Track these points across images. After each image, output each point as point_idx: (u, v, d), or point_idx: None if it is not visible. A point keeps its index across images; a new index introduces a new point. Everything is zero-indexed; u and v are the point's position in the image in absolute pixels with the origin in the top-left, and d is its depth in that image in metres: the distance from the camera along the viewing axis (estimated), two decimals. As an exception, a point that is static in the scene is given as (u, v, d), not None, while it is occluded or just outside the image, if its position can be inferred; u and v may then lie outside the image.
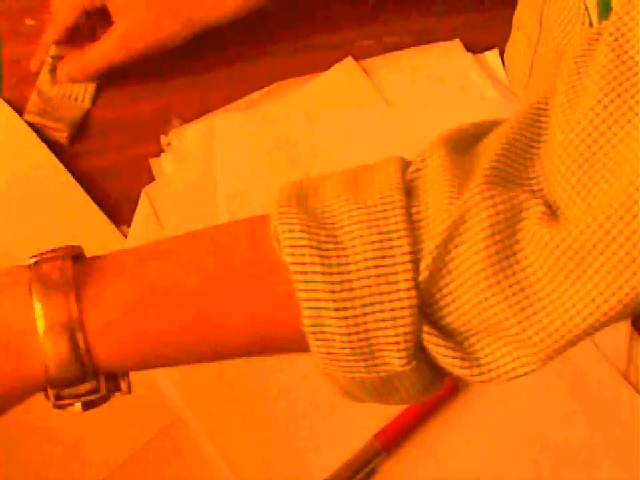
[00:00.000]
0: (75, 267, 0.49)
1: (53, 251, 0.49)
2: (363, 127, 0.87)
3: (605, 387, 0.78)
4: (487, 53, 0.91)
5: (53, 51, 0.88)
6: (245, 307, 0.49)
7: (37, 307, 0.47)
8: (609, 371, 0.78)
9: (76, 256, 0.50)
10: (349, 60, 0.90)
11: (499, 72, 0.90)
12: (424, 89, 0.89)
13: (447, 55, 0.90)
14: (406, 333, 0.46)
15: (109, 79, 0.89)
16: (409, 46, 0.92)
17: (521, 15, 0.85)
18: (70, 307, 0.47)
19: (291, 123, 0.87)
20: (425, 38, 0.92)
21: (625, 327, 0.80)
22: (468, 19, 0.93)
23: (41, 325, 0.47)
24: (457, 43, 0.91)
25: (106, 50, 0.86)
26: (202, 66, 0.91)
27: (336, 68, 0.89)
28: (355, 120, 0.87)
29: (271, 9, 0.91)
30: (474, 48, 0.91)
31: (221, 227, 0.53)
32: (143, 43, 0.85)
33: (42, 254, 0.49)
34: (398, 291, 0.46)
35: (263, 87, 0.89)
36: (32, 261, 0.49)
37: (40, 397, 0.49)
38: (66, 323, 0.47)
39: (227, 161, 0.85)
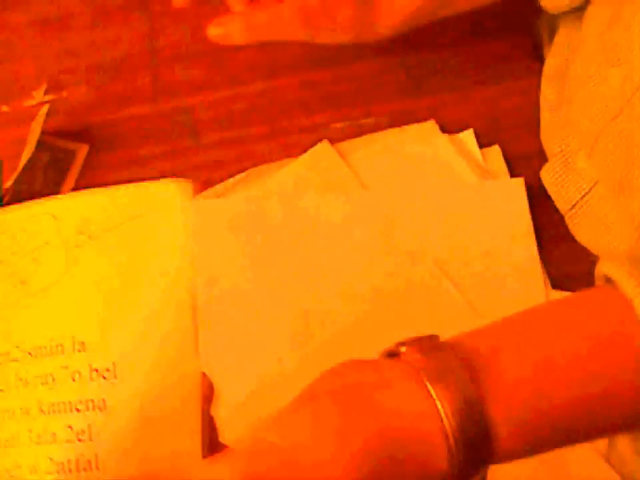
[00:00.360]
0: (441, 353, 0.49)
1: (417, 339, 0.50)
2: (340, 211, 0.87)
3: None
4: (462, 134, 0.91)
5: None
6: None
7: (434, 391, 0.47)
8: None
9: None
10: (324, 143, 0.90)
11: (474, 152, 0.90)
12: (400, 172, 0.89)
13: (423, 137, 0.91)
14: None
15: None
16: (384, 128, 0.92)
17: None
18: (468, 388, 0.47)
19: (268, 208, 0.87)
20: (400, 119, 0.92)
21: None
22: (443, 99, 0.94)
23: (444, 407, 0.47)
24: (431, 124, 0.92)
25: (282, 20, 0.78)
26: (177, 151, 0.91)
27: (311, 152, 0.89)
28: (331, 204, 0.87)
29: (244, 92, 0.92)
30: (449, 128, 0.91)
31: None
32: (323, 22, 0.79)
33: (406, 342, 0.50)
34: None
35: (238, 173, 0.89)
36: (402, 349, 0.50)
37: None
38: (468, 403, 0.47)
39: (204, 248, 0.85)
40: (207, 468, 0.47)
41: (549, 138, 0.88)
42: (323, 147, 0.90)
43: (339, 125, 0.92)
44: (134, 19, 0.99)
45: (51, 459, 0.53)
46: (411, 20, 0.81)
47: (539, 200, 0.87)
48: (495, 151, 0.90)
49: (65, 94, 0.95)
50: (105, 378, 0.54)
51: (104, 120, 0.94)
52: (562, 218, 0.86)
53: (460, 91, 0.95)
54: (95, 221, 0.57)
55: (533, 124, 0.92)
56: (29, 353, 0.55)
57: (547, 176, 0.83)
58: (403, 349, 0.50)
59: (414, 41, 0.96)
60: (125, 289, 0.56)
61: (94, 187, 0.88)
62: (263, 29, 0.79)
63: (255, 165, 0.89)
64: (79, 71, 0.96)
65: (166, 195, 0.59)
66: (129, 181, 0.88)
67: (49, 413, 0.54)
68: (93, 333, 0.55)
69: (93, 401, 0.54)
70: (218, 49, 0.95)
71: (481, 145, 0.90)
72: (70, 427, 0.53)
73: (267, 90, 0.94)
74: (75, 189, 0.89)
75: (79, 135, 0.92)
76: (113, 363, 0.54)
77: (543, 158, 0.89)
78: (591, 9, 0.82)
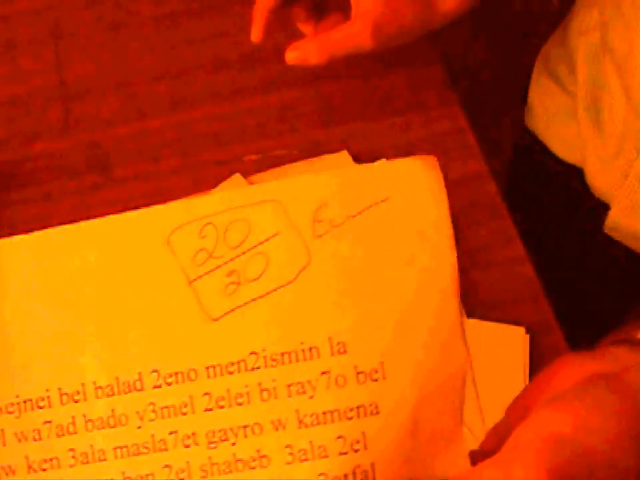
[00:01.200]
0: None
1: None
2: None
3: None
4: (375, 164, 0.91)
5: None
6: None
7: None
8: None
9: None
10: (237, 176, 0.89)
11: (387, 182, 0.90)
12: (313, 203, 0.88)
13: (335, 167, 0.91)
14: None
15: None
16: (296, 159, 0.92)
17: None
18: None
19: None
20: (313, 150, 0.92)
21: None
22: (355, 129, 0.94)
23: None
24: (344, 154, 0.92)
25: (354, 34, 0.81)
26: (88, 187, 0.90)
27: (224, 185, 0.89)
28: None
29: (156, 126, 0.91)
30: (362, 158, 0.91)
31: None
32: (392, 29, 0.82)
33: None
34: None
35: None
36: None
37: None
38: None
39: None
40: (505, 465, 0.47)
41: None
42: (236, 179, 0.89)
43: (252, 157, 0.92)
44: (42, 52, 0.98)
45: (323, 474, 0.49)
46: None
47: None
48: (408, 180, 0.90)
49: (-28, 130, 0.93)
50: (375, 380, 0.50)
51: (14, 156, 0.92)
52: (474, 246, 0.86)
53: (373, 121, 0.95)
54: (333, 205, 0.51)
55: (446, 152, 0.92)
56: (273, 360, 0.50)
57: None
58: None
59: (327, 72, 0.96)
60: (375, 280, 0.52)
61: (4, 224, 0.87)
62: (336, 47, 0.82)
63: (166, 200, 0.88)
64: (-13, 106, 0.95)
65: (413, 172, 0.54)
66: (42, 218, 0.87)
67: (312, 425, 0.49)
68: (352, 331, 0.50)
69: (363, 406, 0.50)
70: (128, 82, 0.95)
71: (394, 175, 0.90)
72: (342, 437, 0.49)
73: (179, 123, 0.93)
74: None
75: (-12, 171, 0.91)
76: (381, 363, 0.50)
77: (454, 186, 0.89)
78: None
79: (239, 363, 0.50)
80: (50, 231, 0.56)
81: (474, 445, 0.78)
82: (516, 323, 0.85)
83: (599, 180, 0.92)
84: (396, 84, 0.97)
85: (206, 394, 0.50)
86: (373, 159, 0.92)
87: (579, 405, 0.49)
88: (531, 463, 0.46)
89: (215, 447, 0.50)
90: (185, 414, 0.50)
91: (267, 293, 0.51)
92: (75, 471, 0.50)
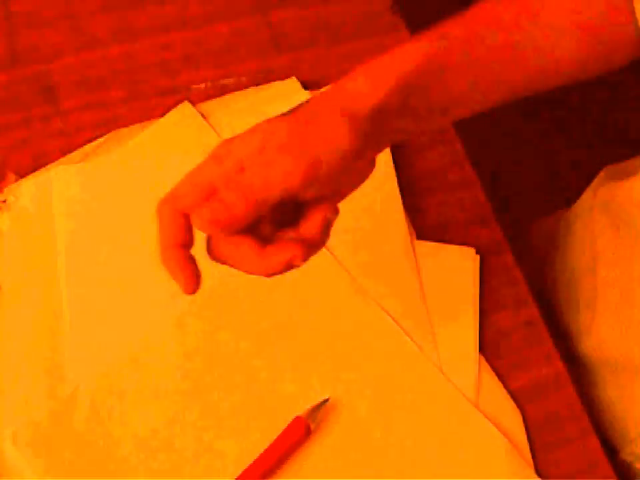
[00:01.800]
0: None
1: None
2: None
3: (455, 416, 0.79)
4: (324, 90, 0.90)
5: None
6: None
7: None
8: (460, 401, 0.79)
9: None
10: (186, 104, 0.89)
11: (337, 108, 0.90)
12: (263, 130, 0.88)
13: (284, 94, 0.90)
14: None
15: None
16: (246, 86, 0.91)
17: None
18: None
19: (129, 172, 0.85)
20: (262, 78, 0.92)
21: (472, 356, 0.81)
22: (304, 56, 0.94)
23: None
24: (293, 81, 0.91)
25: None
26: (35, 118, 0.89)
27: (172, 113, 0.88)
28: (194, 165, 0.86)
29: (102, 55, 0.91)
30: (311, 86, 0.91)
31: None
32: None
33: None
34: None
35: (98, 138, 0.87)
36: None
37: None
38: None
39: (65, 215, 0.83)
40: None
41: None
42: (184, 108, 0.89)
43: (200, 86, 0.91)
44: (-14, -16, 0.96)
45: None
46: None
47: (402, 151, 0.88)
48: (357, 105, 0.90)
49: None
50: None
51: (-41, 89, 0.91)
52: (424, 171, 0.87)
53: (321, 48, 0.94)
54: None
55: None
56: None
57: None
58: None
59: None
60: None
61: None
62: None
63: (115, 129, 0.88)
64: None
65: None
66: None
67: None
68: None
69: None
70: (74, 13, 0.94)
71: (344, 101, 0.90)
72: None
73: (126, 53, 0.92)
74: None
75: None
76: None
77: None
78: None
79: None
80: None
81: (424, 362, 0.79)
82: (466, 244, 0.85)
83: None
84: (346, 10, 0.96)
85: None
86: (321, 86, 0.91)
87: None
88: None
89: None
90: None
91: None
92: None
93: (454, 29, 0.66)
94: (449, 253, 0.85)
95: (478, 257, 0.85)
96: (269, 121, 0.60)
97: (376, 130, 0.61)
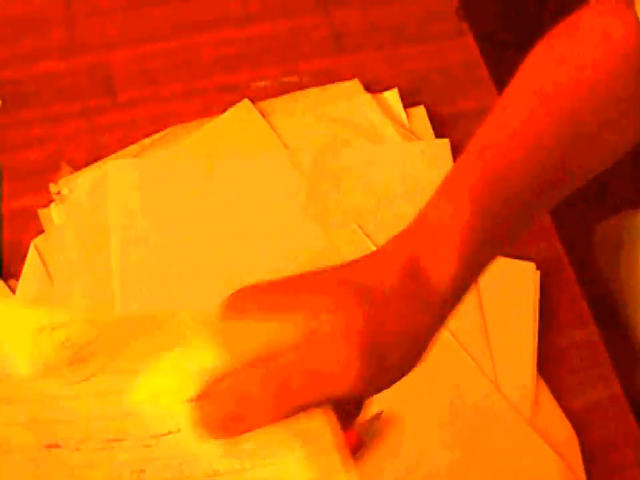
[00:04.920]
0: None
1: None
2: (261, 172, 0.84)
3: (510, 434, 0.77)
4: (386, 93, 0.89)
5: None
6: None
7: None
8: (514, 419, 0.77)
9: None
10: (246, 102, 0.87)
11: (398, 112, 0.88)
12: (323, 132, 0.87)
13: (346, 96, 0.89)
14: None
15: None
16: (307, 86, 0.89)
17: None
18: None
19: (186, 169, 0.84)
20: (323, 78, 0.90)
21: (529, 373, 0.79)
22: (367, 57, 0.92)
23: None
24: (355, 83, 0.89)
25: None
26: (92, 110, 0.87)
27: (232, 111, 0.87)
28: (253, 165, 0.85)
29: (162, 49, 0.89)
30: (373, 88, 0.89)
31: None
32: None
33: None
34: None
35: (155, 132, 0.86)
36: None
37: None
38: None
39: (119, 210, 0.82)
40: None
41: None
42: (244, 106, 0.87)
43: (260, 84, 0.89)
44: (47, -28, 0.95)
45: None
46: None
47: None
48: (420, 111, 0.88)
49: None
50: None
51: (16, 76, 0.90)
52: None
53: (384, 50, 0.93)
54: None
55: (458, 84, 0.90)
56: None
57: None
58: None
59: (339, -2, 0.94)
60: None
61: (6, 145, 0.85)
62: None
63: (173, 124, 0.86)
64: (-10, 25, 0.92)
65: None
66: (43, 140, 0.85)
67: None
68: None
69: None
70: (135, 4, 0.92)
71: (406, 105, 0.89)
72: None
73: (186, 47, 0.91)
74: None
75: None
76: None
77: (466, 117, 0.88)
78: None
79: None
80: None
81: (480, 378, 0.77)
82: (527, 258, 0.83)
83: None
84: (409, 13, 0.94)
85: None
86: (384, 88, 0.90)
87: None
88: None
89: None
90: None
91: None
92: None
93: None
94: (509, 267, 0.82)
95: (538, 272, 0.83)
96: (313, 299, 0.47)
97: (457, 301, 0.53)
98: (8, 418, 0.46)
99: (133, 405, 0.46)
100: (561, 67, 0.59)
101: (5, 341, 0.46)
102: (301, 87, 0.89)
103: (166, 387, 0.45)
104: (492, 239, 0.53)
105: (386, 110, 0.88)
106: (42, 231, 0.82)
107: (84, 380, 0.46)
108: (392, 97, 0.89)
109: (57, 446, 0.46)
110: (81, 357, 0.46)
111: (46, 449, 0.46)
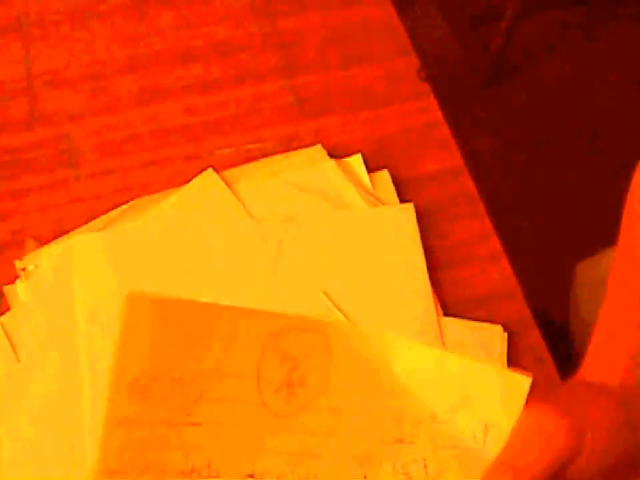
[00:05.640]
0: None
1: None
2: (228, 242, 0.84)
3: None
4: (350, 159, 0.89)
5: None
6: None
7: None
8: None
9: None
10: (210, 172, 0.87)
11: (362, 177, 0.89)
12: (288, 199, 0.87)
13: (310, 162, 0.89)
14: None
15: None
16: (271, 153, 0.90)
17: None
18: None
19: (152, 241, 0.84)
20: (287, 144, 0.90)
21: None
22: (329, 122, 0.92)
23: None
24: (319, 149, 0.90)
25: None
26: (57, 183, 0.87)
27: (196, 181, 0.87)
28: (219, 235, 0.85)
29: (125, 119, 0.89)
30: (337, 153, 0.90)
31: None
32: None
33: None
34: None
35: (121, 204, 0.86)
36: None
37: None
38: None
39: (85, 285, 0.82)
40: None
41: None
42: (208, 175, 0.87)
43: (224, 152, 0.90)
44: (9, 43, 0.95)
45: None
46: None
47: (428, 223, 0.87)
48: (384, 175, 0.89)
49: None
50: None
51: (-21, 150, 0.90)
52: (451, 243, 0.85)
53: (347, 114, 0.93)
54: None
55: (421, 146, 0.91)
56: None
57: None
58: None
59: (299, 63, 0.94)
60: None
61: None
62: None
63: (138, 196, 0.87)
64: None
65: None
66: (5, 214, 0.85)
67: None
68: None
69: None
70: (97, 75, 0.92)
71: (370, 169, 0.89)
72: None
73: (149, 116, 0.91)
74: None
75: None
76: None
77: (430, 180, 0.88)
78: None
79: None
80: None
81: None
82: (493, 320, 0.84)
83: None
84: (370, 76, 0.95)
85: None
86: (347, 153, 0.90)
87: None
88: None
89: None
90: None
91: None
92: None
93: None
94: (476, 330, 0.83)
95: (505, 334, 0.83)
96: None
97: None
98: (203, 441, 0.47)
99: None
100: None
101: None
102: (265, 153, 0.90)
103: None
104: None
105: (350, 175, 0.88)
106: (8, 308, 0.81)
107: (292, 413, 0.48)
108: (356, 162, 0.89)
109: (252, 476, 0.48)
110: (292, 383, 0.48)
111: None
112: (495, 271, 0.87)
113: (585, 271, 0.99)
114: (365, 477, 0.48)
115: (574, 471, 0.48)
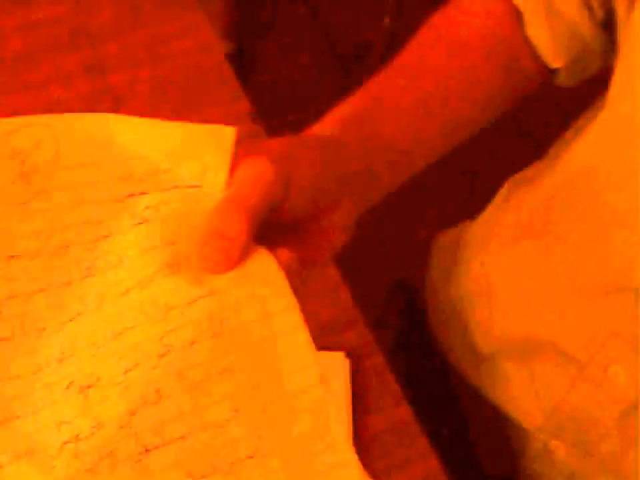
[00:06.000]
0: None
1: None
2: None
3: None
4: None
5: None
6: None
7: None
8: None
9: None
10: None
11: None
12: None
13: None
14: None
15: None
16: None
17: None
18: None
19: None
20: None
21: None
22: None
23: None
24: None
25: None
26: None
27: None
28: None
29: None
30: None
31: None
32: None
33: None
34: None
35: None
36: None
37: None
38: None
39: None
40: None
41: None
42: None
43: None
44: None
45: None
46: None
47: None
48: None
49: None
50: None
51: None
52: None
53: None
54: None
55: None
56: None
57: None
58: None
59: (131, 113, 0.96)
60: None
61: None
62: None
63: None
64: None
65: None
66: None
67: None
68: None
69: None
70: None
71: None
72: None
73: None
74: None
75: None
76: None
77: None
78: None
79: None
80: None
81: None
82: (336, 349, 0.86)
83: None
84: (202, 119, 0.97)
85: None
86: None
87: None
88: None
89: None
90: None
91: None
92: None
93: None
94: (318, 360, 0.85)
95: (348, 360, 0.85)
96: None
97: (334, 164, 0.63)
98: None
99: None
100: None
101: None
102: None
103: None
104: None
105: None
106: None
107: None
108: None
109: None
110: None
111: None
112: (335, 300, 0.89)
113: (440, 240, 1.02)
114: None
115: (286, 209, 0.57)
